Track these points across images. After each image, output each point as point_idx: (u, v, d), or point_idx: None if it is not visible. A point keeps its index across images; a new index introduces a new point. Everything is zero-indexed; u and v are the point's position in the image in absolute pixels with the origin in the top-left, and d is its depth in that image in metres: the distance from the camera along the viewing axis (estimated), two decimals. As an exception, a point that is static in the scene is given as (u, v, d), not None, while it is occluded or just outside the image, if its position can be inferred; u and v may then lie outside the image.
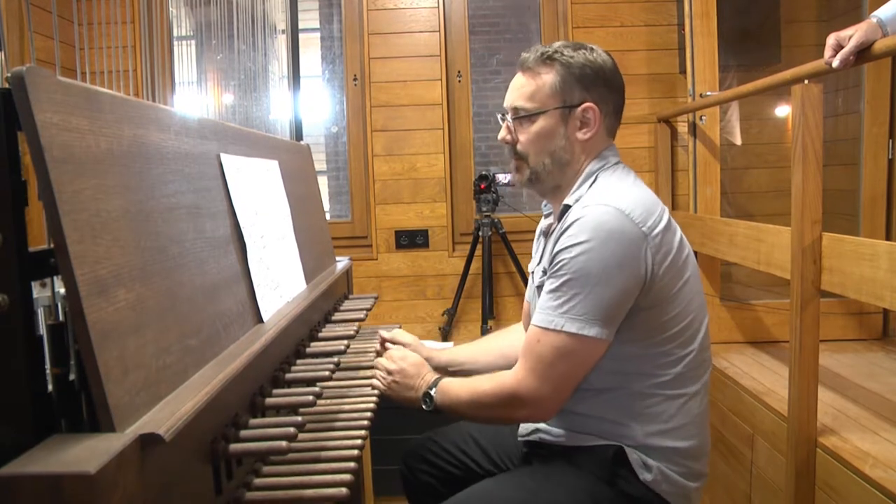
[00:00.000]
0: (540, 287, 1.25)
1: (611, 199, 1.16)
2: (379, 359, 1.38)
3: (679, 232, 1.23)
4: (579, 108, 1.24)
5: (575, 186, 1.26)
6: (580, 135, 1.25)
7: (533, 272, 1.40)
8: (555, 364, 1.15)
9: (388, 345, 1.48)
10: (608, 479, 1.19)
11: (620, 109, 1.31)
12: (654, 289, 1.16)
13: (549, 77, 1.25)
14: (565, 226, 1.18)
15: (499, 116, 1.33)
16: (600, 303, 1.13)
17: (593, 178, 1.25)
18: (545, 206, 1.41)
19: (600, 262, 1.12)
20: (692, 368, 1.21)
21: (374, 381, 1.31)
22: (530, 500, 1.17)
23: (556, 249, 1.18)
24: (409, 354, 1.38)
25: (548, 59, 1.25)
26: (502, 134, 1.32)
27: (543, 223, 1.41)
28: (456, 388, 1.28)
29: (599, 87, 1.25)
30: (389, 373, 1.34)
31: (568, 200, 1.24)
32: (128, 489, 0.62)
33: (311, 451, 0.98)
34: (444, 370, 1.54)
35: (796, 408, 1.60)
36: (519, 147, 1.29)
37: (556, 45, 1.27)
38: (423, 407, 1.30)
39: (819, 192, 1.59)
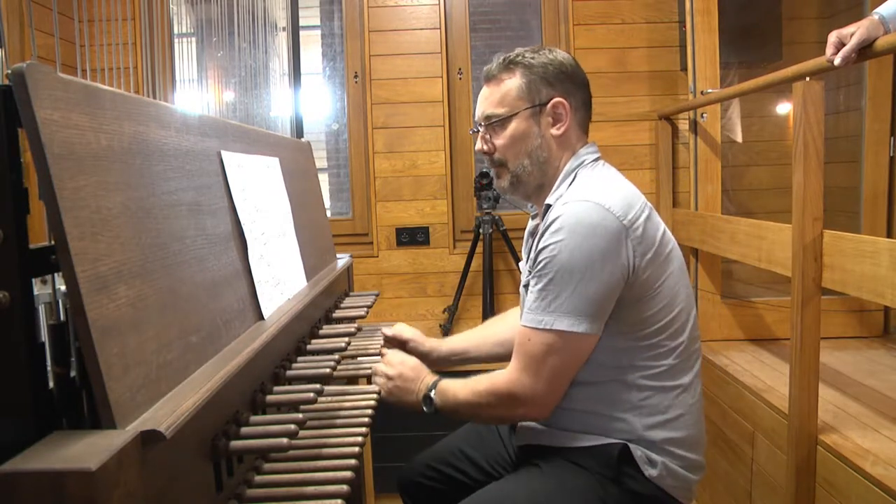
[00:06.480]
0: (527, 286, 1.25)
1: (590, 195, 1.17)
2: (377, 364, 1.36)
3: (662, 226, 1.23)
4: (549, 105, 1.27)
5: (556, 185, 1.28)
6: (554, 130, 1.28)
7: (522, 271, 1.40)
8: (546, 361, 1.17)
9: (384, 349, 1.44)
10: (614, 478, 1.19)
11: (588, 103, 1.33)
12: (638, 281, 1.17)
13: (514, 81, 1.28)
14: (546, 224, 1.19)
15: (471, 132, 1.35)
16: (587, 298, 1.14)
17: (573, 175, 1.27)
18: (531, 207, 1.42)
19: (583, 257, 1.13)
20: (683, 360, 1.23)
21: (374, 387, 1.30)
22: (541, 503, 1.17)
23: (538, 248, 1.19)
24: (406, 358, 1.37)
25: (510, 65, 1.29)
26: (479, 145, 1.34)
27: (530, 224, 1.42)
28: (454, 389, 1.27)
29: (564, 82, 1.28)
30: (389, 378, 1.32)
31: (549, 199, 1.25)
32: (129, 486, 0.62)
33: (312, 449, 0.98)
34: (447, 360, 1.54)
35: (797, 405, 1.60)
36: (497, 154, 1.31)
37: (517, 51, 1.30)
38: (424, 409, 1.29)
39: (820, 189, 1.59)
